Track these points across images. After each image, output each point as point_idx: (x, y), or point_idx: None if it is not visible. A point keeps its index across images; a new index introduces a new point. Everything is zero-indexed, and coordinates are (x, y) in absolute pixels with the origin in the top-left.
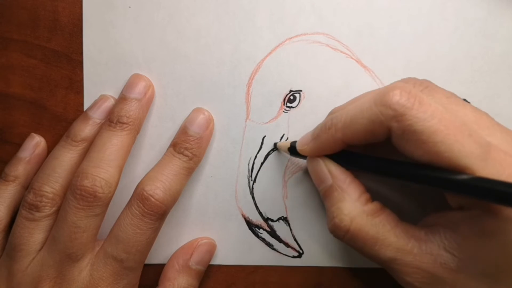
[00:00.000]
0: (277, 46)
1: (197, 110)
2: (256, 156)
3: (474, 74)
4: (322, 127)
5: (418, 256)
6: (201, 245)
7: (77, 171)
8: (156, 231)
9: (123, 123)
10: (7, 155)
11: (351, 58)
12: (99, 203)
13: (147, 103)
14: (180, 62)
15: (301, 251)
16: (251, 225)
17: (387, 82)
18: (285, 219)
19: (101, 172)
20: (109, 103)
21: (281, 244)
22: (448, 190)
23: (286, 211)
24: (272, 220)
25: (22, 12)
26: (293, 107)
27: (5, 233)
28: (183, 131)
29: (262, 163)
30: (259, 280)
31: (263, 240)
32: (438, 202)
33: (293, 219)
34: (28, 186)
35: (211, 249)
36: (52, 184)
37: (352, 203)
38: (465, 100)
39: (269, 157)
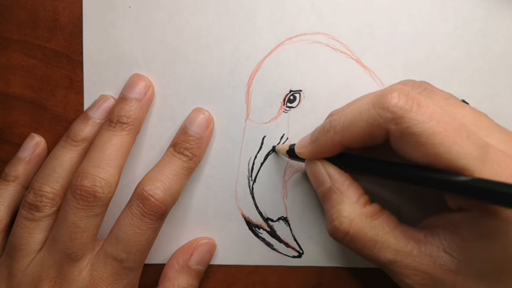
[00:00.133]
0: (277, 46)
1: (197, 110)
2: (256, 156)
3: (474, 74)
4: (321, 130)
5: (417, 258)
6: (201, 245)
7: (77, 171)
8: (156, 231)
9: (123, 123)
10: (7, 155)
11: (351, 58)
12: (99, 203)
13: (147, 103)
14: (180, 62)
15: (301, 251)
16: (251, 225)
17: (387, 82)
18: (285, 219)
19: (101, 172)
20: (109, 103)
21: (281, 244)
22: (447, 191)
23: (286, 211)
24: (272, 220)
25: (22, 12)
26: (293, 107)
27: (5, 233)
28: (183, 131)
29: (262, 163)
30: (259, 280)
31: (263, 240)
32: (437, 204)
33: (293, 219)
34: (28, 186)
35: (211, 249)
36: (52, 184)
37: (351, 206)
38: (463, 101)
39: (269, 157)
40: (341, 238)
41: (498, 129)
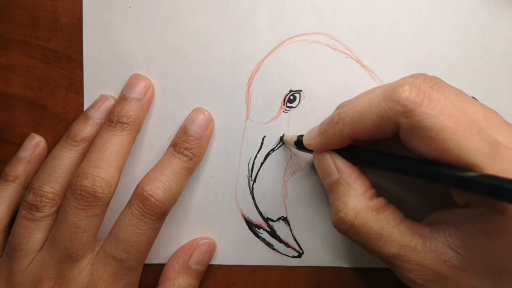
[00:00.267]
0: (277, 46)
1: (197, 110)
2: (256, 156)
3: (474, 74)
4: (330, 122)
5: (421, 253)
6: (201, 245)
7: (77, 171)
8: (156, 231)
9: (123, 123)
10: (7, 155)
11: (351, 58)
12: (99, 203)
13: (147, 103)
14: (180, 62)
15: (301, 251)
16: (251, 225)
17: (387, 82)
18: (285, 219)
19: (101, 172)
20: (109, 103)
21: (281, 244)
22: (456, 187)
23: (286, 211)
24: (272, 220)
25: (22, 12)
26: (293, 107)
27: (5, 233)
28: (183, 131)
29: (262, 163)
30: (259, 280)
31: (263, 240)
32: (444, 199)
33: (293, 219)
34: (28, 186)
35: (211, 249)
36: (52, 184)
37: (358, 198)
38: (473, 98)
39: (269, 157)
40: (346, 230)
41: (507, 127)
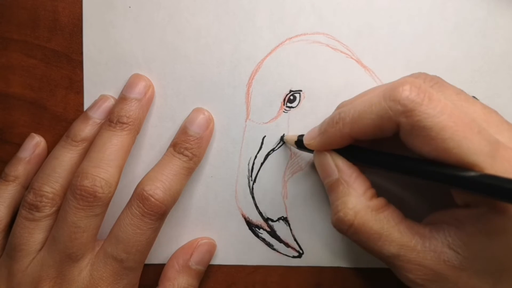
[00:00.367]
0: (277, 46)
1: (197, 110)
2: (256, 156)
3: (474, 74)
4: (330, 122)
5: (421, 253)
6: (201, 245)
7: (77, 171)
8: (156, 231)
9: (123, 123)
10: (7, 155)
11: (351, 58)
12: (99, 203)
13: (147, 103)
14: (180, 62)
15: (301, 251)
16: (251, 225)
17: (387, 82)
18: (285, 219)
19: (101, 172)
20: (109, 103)
21: (281, 244)
22: (456, 186)
23: (286, 211)
24: (272, 220)
25: (22, 12)
26: (293, 107)
27: (5, 233)
28: (183, 131)
29: (262, 163)
30: (259, 280)
31: (263, 240)
32: (444, 199)
33: (293, 219)
34: (28, 186)
35: (211, 249)
36: (52, 184)
37: (357, 198)
38: (474, 97)
39: (269, 157)
40: (345, 230)
41: (507, 126)
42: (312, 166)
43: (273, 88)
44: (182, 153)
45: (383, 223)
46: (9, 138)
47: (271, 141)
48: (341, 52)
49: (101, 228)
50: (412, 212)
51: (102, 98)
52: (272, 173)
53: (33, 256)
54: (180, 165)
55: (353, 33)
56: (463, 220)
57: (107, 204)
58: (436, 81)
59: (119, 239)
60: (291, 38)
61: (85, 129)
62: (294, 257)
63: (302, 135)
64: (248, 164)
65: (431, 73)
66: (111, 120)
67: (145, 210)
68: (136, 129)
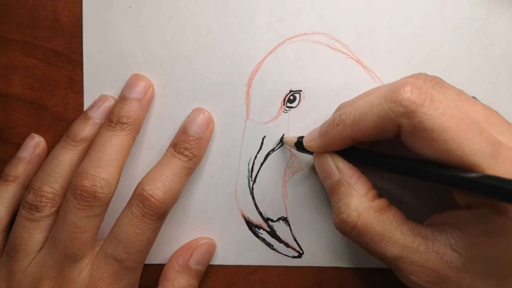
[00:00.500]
0: (277, 46)
1: (197, 110)
2: (256, 156)
3: (474, 74)
4: (330, 123)
5: (424, 254)
6: (201, 245)
7: (77, 171)
8: (156, 231)
9: (123, 123)
10: (7, 155)
11: (351, 58)
12: (99, 203)
13: (147, 103)
14: (180, 62)
15: (301, 251)
16: (251, 225)
17: (387, 82)
18: (285, 219)
19: (101, 172)
20: (109, 103)
21: (281, 244)
22: (458, 188)
23: (286, 211)
24: (272, 220)
25: (22, 12)
26: (293, 107)
27: (5, 233)
28: (183, 131)
29: (262, 163)
30: (259, 280)
31: (263, 240)
32: (446, 200)
33: (293, 219)
34: (28, 186)
35: (211, 249)
36: (52, 184)
37: (360, 199)
38: (474, 97)
39: (269, 157)
40: (349, 232)
41: (508, 127)
42: (312, 166)
43: (273, 88)
44: (182, 153)
45: (385, 224)
46: (9, 138)
47: (271, 141)
48: (341, 52)
49: (101, 228)
50: (414, 213)
51: (102, 98)
52: (272, 173)
53: (33, 256)
54: (180, 165)
55: (353, 33)
56: (465, 221)
57: (107, 204)
58: (437, 82)
59: (119, 239)
60: (291, 38)
61: (85, 129)
62: (294, 257)
63: (302, 137)
64: (248, 164)
65: (431, 73)
66: (111, 120)
67: (145, 210)
68: (136, 129)
